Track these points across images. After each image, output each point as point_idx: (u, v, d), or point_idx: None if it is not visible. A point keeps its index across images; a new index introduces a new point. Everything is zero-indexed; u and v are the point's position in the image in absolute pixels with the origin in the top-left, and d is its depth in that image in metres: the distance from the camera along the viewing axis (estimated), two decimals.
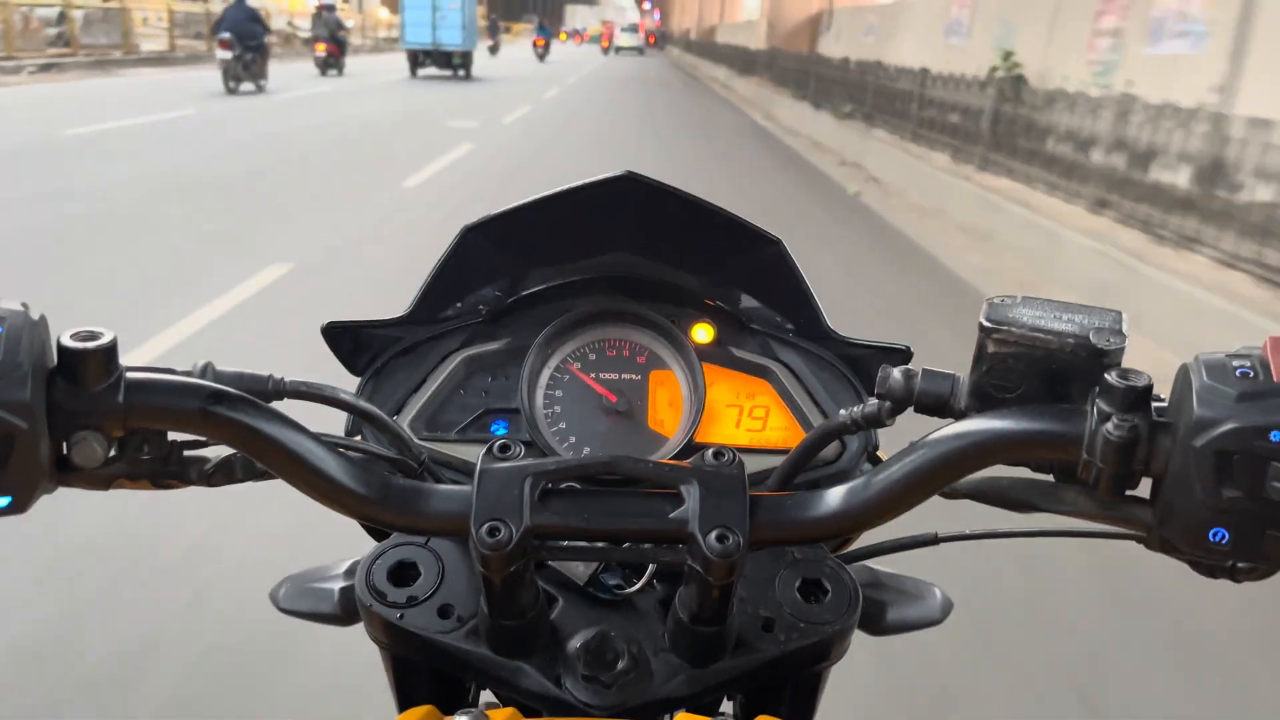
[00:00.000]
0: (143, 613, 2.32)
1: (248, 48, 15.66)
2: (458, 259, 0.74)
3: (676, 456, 0.75)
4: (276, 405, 0.56)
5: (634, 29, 59.15)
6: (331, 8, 22.00)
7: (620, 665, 0.58)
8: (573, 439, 0.77)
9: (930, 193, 8.67)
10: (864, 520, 0.54)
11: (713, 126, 15.38)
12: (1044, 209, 6.94)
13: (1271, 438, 0.45)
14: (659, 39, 67.04)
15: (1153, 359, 4.04)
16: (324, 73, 21.49)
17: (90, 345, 0.50)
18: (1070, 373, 0.51)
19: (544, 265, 0.81)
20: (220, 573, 2.48)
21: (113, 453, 0.53)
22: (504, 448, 0.55)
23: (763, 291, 0.81)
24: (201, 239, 6.16)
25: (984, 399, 0.54)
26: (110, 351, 0.51)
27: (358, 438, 0.72)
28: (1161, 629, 2.48)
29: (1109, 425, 0.47)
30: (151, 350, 4.00)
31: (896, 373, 0.57)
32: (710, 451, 0.55)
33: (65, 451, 0.51)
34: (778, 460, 0.68)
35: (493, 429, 0.80)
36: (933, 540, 0.71)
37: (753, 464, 0.60)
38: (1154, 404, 0.49)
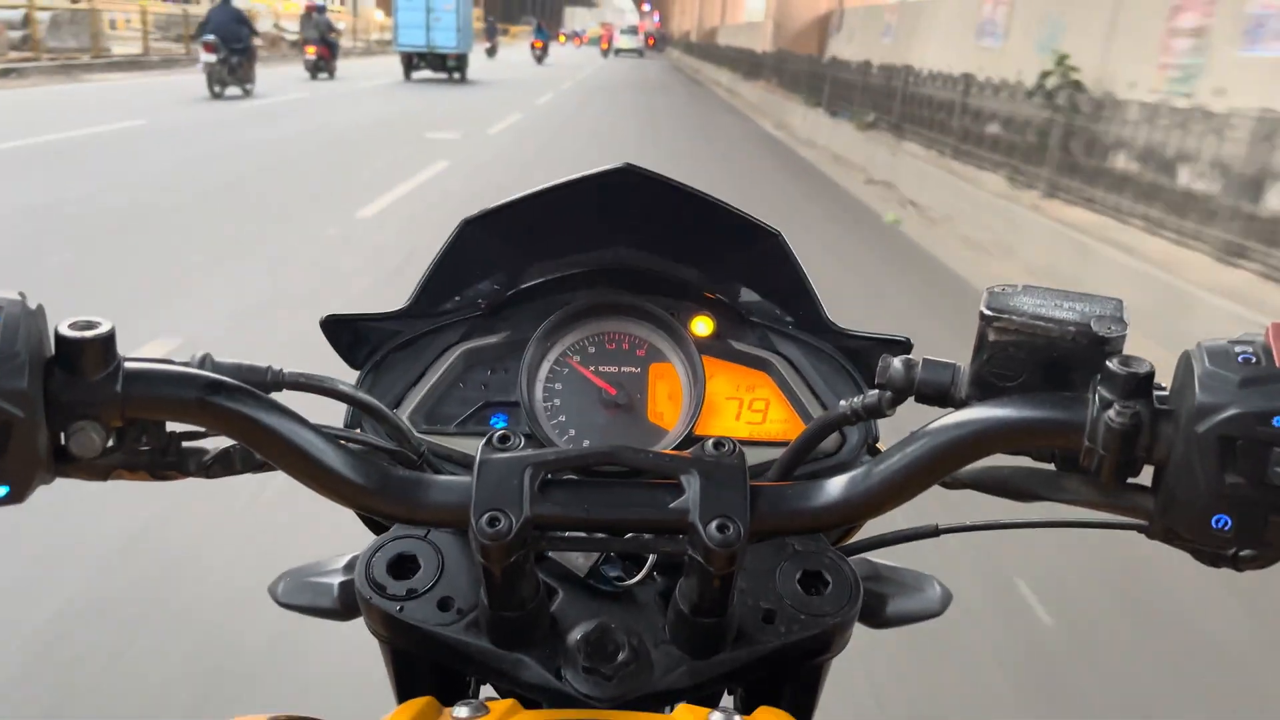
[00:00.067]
0: None
1: (233, 51, 14.68)
2: (456, 252, 0.73)
3: (677, 449, 0.71)
4: (275, 397, 0.55)
5: (633, 31, 58.34)
6: (322, 9, 20.92)
7: (620, 657, 0.56)
8: (572, 432, 0.76)
9: (987, 224, 7.09)
10: (865, 509, 0.53)
11: (719, 137, 13.74)
12: (1153, 255, 5.36)
13: (1274, 423, 0.44)
14: (658, 41, 66.18)
15: None
16: (314, 76, 20.31)
17: (88, 335, 0.49)
18: (1071, 361, 0.51)
19: (543, 258, 0.80)
20: None
21: (111, 443, 0.52)
22: (504, 439, 0.54)
23: (762, 284, 0.80)
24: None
25: (985, 388, 0.53)
26: (108, 341, 0.49)
27: (357, 430, 0.71)
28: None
29: (1111, 412, 0.47)
30: None
31: (897, 362, 0.56)
32: (710, 442, 0.54)
33: (63, 442, 0.50)
34: (778, 453, 0.67)
35: (492, 422, 0.79)
36: (934, 532, 0.69)
37: (753, 456, 0.58)
38: (1155, 392, 0.48)
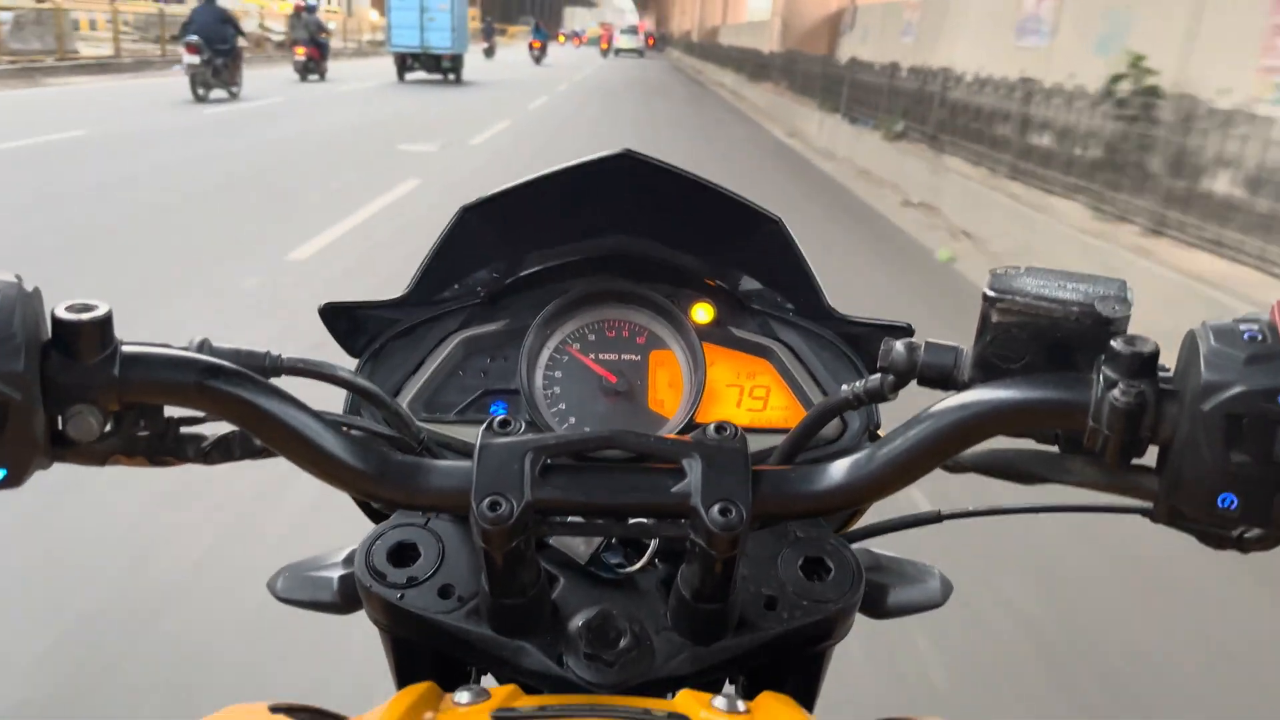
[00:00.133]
0: None
1: (218, 52, 13.82)
2: (455, 239, 0.72)
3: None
4: (274, 383, 0.53)
5: (633, 31, 57.40)
6: (312, 9, 20.17)
7: (622, 644, 0.55)
8: (572, 420, 0.75)
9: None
10: (868, 492, 0.52)
11: (727, 147, 12.11)
12: None
13: None
14: (658, 41, 65.60)
15: None
16: (304, 78, 19.23)
17: (85, 317, 0.48)
18: (1075, 341, 0.49)
19: (542, 246, 0.78)
20: None
21: (109, 428, 0.50)
22: (504, 423, 0.53)
23: (763, 271, 0.78)
24: None
25: (988, 370, 0.52)
26: (105, 324, 0.48)
27: (356, 417, 0.69)
28: None
29: (1115, 391, 0.46)
30: None
31: (899, 345, 0.55)
32: (712, 426, 0.53)
33: (61, 426, 0.49)
34: (779, 440, 0.64)
35: (492, 410, 0.77)
36: (936, 518, 0.68)
37: (754, 444, 0.55)
38: (1160, 373, 0.47)
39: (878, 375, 0.56)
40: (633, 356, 0.76)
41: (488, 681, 0.61)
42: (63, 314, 0.47)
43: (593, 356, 0.75)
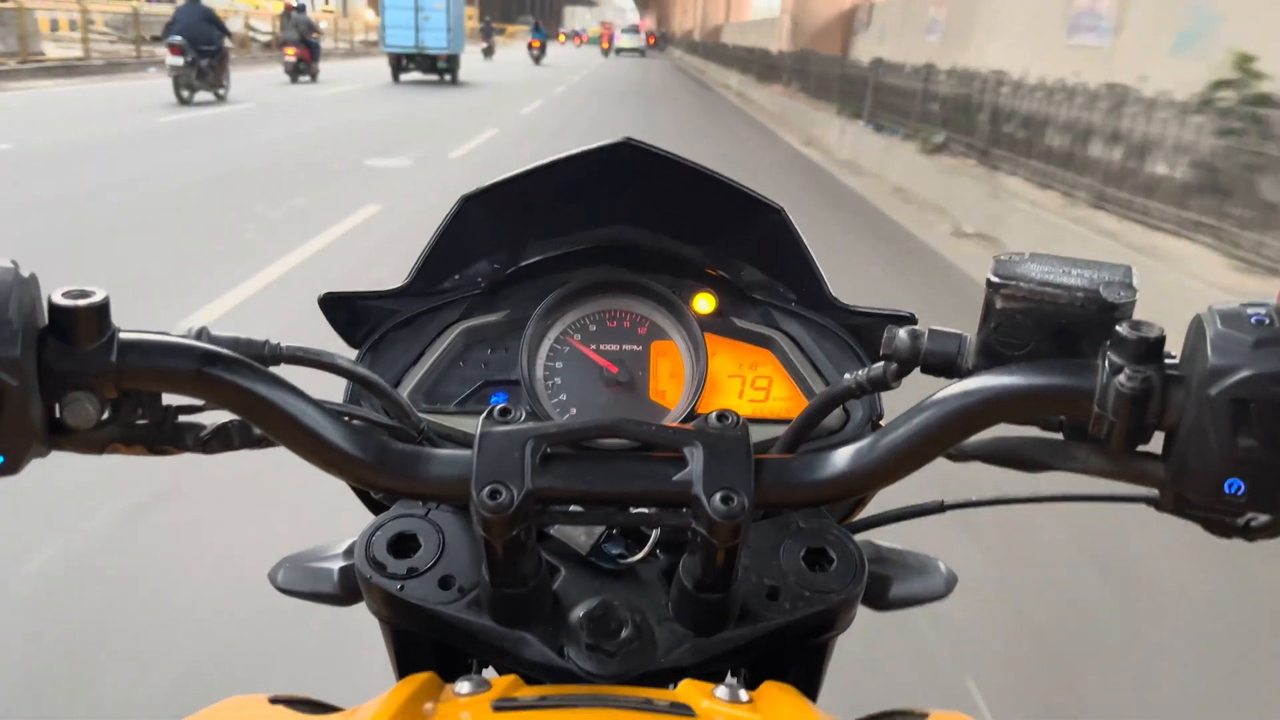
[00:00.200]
0: None
1: (202, 53, 13.11)
2: (455, 229, 0.71)
3: None
4: (274, 372, 0.52)
5: (634, 30, 56.45)
6: (302, 8, 19.25)
7: (624, 634, 0.54)
8: (573, 410, 0.74)
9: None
10: (871, 481, 0.51)
11: (739, 161, 10.64)
12: None
13: None
14: (659, 40, 64.43)
15: None
16: (294, 79, 18.43)
17: (82, 303, 0.47)
18: (1080, 327, 0.48)
19: (543, 236, 0.77)
20: None
21: (106, 415, 0.50)
22: (504, 412, 0.52)
23: (765, 261, 0.77)
24: None
25: (992, 357, 0.51)
26: (102, 310, 0.47)
27: (356, 407, 0.67)
28: None
29: (1121, 377, 0.45)
30: None
31: (902, 333, 0.53)
32: (714, 414, 0.52)
33: (58, 414, 0.48)
34: (781, 430, 0.63)
35: (492, 401, 0.76)
36: (939, 508, 0.67)
37: (756, 434, 0.54)
38: (1166, 359, 0.46)
39: (880, 363, 0.55)
40: (634, 347, 0.75)
41: (488, 673, 0.60)
42: (59, 300, 0.47)
43: (594, 347, 0.75)
